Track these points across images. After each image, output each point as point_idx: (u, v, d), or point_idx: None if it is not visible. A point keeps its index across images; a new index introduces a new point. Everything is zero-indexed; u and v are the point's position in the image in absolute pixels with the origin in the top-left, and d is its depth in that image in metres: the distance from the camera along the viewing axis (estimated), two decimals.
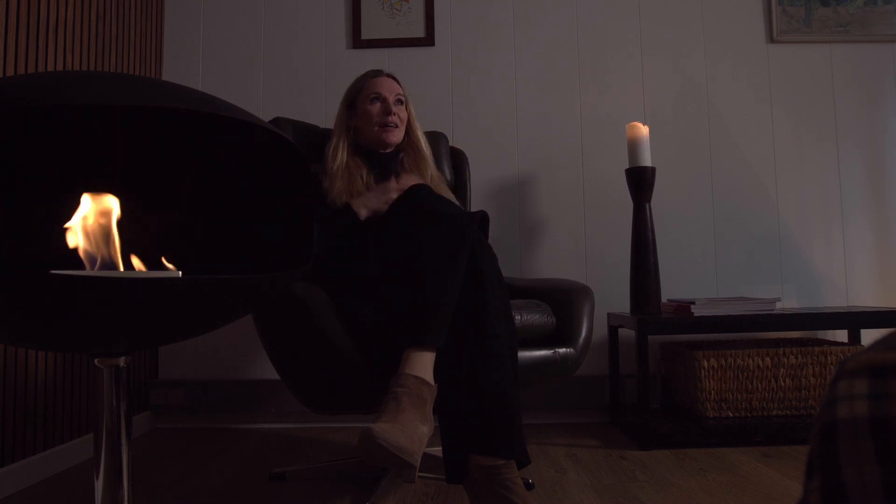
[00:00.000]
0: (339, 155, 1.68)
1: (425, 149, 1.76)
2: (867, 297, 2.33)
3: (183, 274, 0.89)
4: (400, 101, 1.73)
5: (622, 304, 2.24)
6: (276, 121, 1.88)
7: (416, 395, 1.13)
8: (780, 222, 2.36)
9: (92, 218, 0.92)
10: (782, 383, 1.96)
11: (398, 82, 1.76)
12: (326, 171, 1.66)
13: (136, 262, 0.96)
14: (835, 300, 2.33)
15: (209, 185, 1.15)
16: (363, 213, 1.55)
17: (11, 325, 0.81)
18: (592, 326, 1.63)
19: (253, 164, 1.12)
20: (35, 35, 1.70)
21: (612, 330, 2.21)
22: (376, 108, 1.70)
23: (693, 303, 1.96)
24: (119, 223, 0.94)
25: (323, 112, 2.34)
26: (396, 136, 1.72)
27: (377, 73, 1.75)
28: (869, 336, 2.19)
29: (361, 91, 1.72)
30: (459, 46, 2.43)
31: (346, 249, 1.52)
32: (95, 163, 1.05)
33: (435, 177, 1.75)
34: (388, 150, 1.74)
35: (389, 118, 1.69)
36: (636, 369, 1.91)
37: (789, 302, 2.33)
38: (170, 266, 0.96)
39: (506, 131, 2.39)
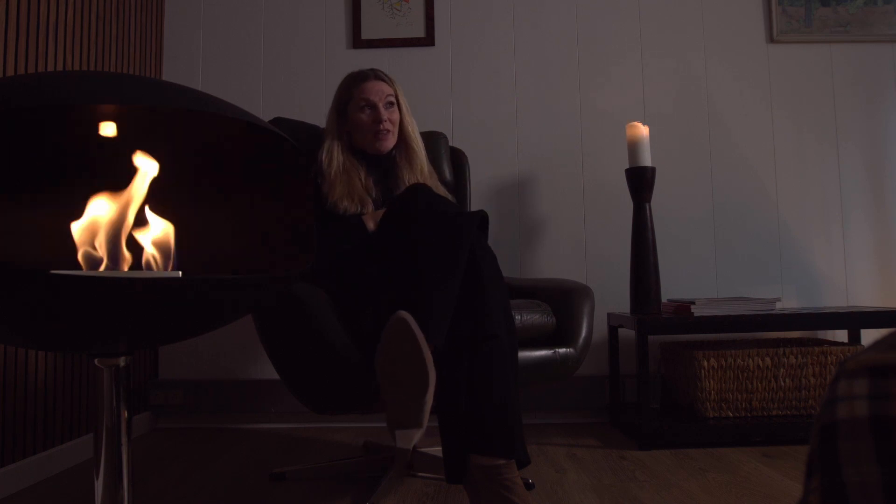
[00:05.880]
0: (335, 157, 1.66)
1: (416, 144, 1.74)
2: (867, 297, 2.33)
3: (183, 274, 0.89)
4: (390, 103, 1.70)
5: (622, 304, 2.24)
6: (277, 120, 1.88)
7: None
8: (780, 222, 2.36)
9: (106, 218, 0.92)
10: (782, 383, 1.96)
11: (387, 80, 1.71)
12: (323, 174, 1.65)
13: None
14: (835, 300, 2.33)
15: (208, 184, 1.15)
16: (371, 227, 1.55)
17: (11, 325, 0.81)
18: (592, 326, 1.63)
19: (253, 164, 1.12)
20: (35, 35, 1.70)
21: (612, 330, 2.21)
22: (367, 115, 1.67)
23: (693, 303, 1.96)
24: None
25: (323, 112, 2.32)
26: (390, 141, 1.70)
27: (365, 77, 1.70)
28: (869, 336, 2.19)
29: (351, 99, 1.69)
30: (459, 46, 2.43)
31: (348, 252, 1.52)
32: (95, 163, 1.05)
33: (426, 171, 1.74)
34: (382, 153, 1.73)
35: (381, 126, 1.66)
36: (636, 369, 1.91)
37: (789, 302, 2.33)
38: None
39: (506, 131, 2.39)
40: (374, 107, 1.67)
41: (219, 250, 1.15)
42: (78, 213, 0.92)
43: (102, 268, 0.91)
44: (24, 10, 1.65)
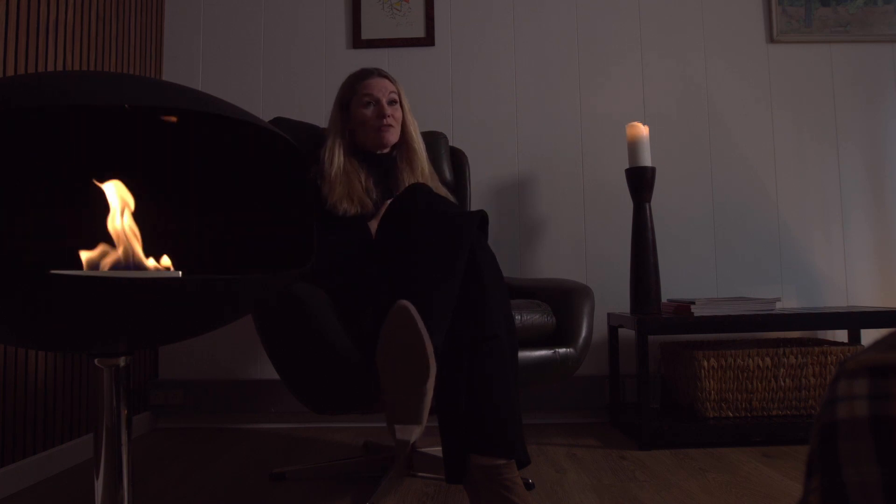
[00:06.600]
0: (336, 158, 1.67)
1: (417, 145, 1.75)
2: (867, 297, 2.33)
3: (183, 274, 0.89)
4: (393, 100, 1.72)
5: (622, 304, 2.24)
6: (277, 120, 1.88)
7: None
8: (780, 222, 2.36)
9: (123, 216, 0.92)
10: (782, 383, 1.96)
11: (390, 79, 1.73)
12: (323, 175, 1.65)
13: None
14: (835, 300, 2.33)
15: (209, 184, 1.15)
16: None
17: (11, 325, 0.81)
18: (592, 326, 1.63)
19: (253, 164, 1.12)
20: (35, 35, 1.70)
21: (612, 330, 2.21)
22: (371, 111, 1.68)
23: (693, 303, 1.96)
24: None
25: (323, 112, 2.33)
26: (393, 135, 1.72)
27: (368, 74, 1.72)
28: (869, 336, 2.19)
29: (354, 94, 1.71)
30: (459, 46, 2.43)
31: (348, 252, 1.52)
32: (94, 163, 1.05)
33: (426, 172, 1.74)
34: (384, 151, 1.74)
35: (385, 120, 1.68)
36: (636, 369, 1.91)
37: (789, 302, 2.33)
38: (170, 266, 0.96)
39: (506, 131, 2.39)
40: (377, 102, 1.68)
41: (219, 250, 1.15)
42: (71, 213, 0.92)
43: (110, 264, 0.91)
44: (24, 10, 1.65)
